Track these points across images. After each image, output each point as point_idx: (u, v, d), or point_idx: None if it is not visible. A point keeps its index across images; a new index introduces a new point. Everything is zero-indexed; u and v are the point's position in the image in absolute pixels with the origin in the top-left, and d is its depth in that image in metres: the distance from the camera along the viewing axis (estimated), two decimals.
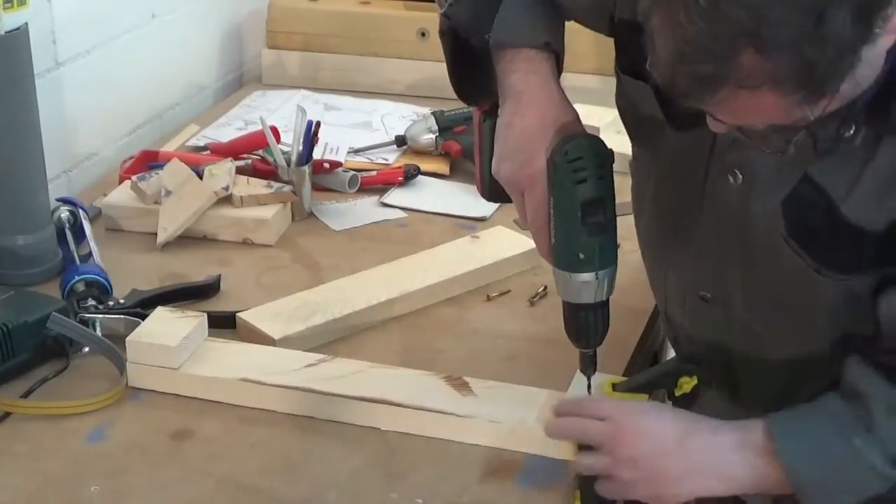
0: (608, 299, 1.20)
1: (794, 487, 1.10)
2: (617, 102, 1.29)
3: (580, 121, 1.22)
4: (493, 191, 1.24)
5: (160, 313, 1.39)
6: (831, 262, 1.12)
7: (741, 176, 1.14)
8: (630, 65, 1.22)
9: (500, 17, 1.22)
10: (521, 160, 1.18)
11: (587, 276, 1.16)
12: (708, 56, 0.93)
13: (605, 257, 1.17)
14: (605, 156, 1.17)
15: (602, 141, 1.18)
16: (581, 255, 1.16)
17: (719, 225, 1.19)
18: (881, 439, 1.08)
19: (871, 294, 1.11)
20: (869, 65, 0.96)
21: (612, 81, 1.97)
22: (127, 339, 1.35)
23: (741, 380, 1.27)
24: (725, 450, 1.13)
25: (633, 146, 1.32)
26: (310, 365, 1.35)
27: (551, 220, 1.17)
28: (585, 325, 1.21)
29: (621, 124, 1.99)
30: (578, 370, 1.28)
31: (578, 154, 1.15)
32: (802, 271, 1.13)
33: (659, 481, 1.13)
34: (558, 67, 1.24)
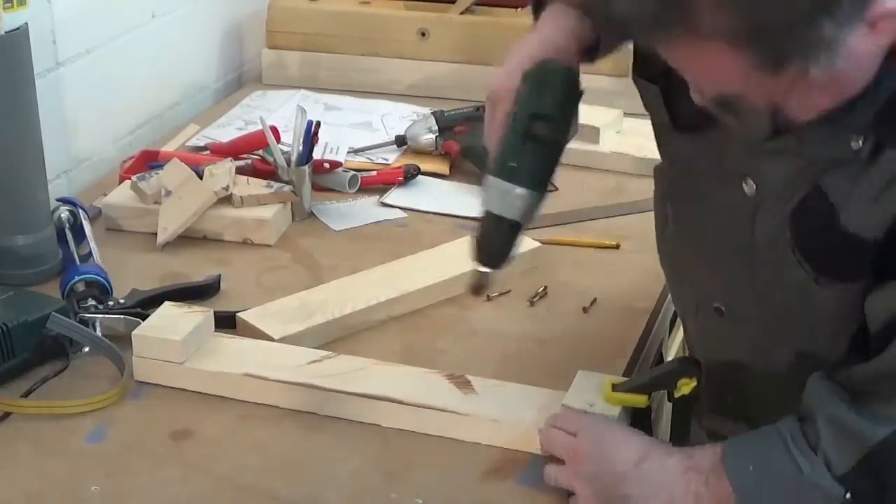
0: (522, 226, 1.20)
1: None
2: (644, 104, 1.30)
3: (573, 59, 1.21)
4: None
5: (167, 308, 1.39)
6: (829, 269, 1.11)
7: (755, 185, 1.14)
8: (645, 68, 1.22)
9: None
10: (501, 77, 1.20)
11: (519, 190, 1.16)
12: None
13: (539, 178, 1.18)
14: (571, 84, 1.18)
15: (575, 74, 1.19)
16: (514, 164, 1.17)
17: (731, 233, 1.18)
18: (826, 460, 1.06)
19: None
20: (852, 60, 0.95)
21: (614, 82, 1.98)
22: (133, 332, 1.35)
23: (752, 397, 1.26)
24: (675, 473, 1.14)
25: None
26: (314, 361, 1.35)
27: (505, 131, 1.18)
28: (498, 241, 1.20)
29: (621, 124, 2.02)
30: (579, 372, 1.28)
31: (546, 74, 1.17)
32: (804, 282, 1.12)
33: (612, 501, 1.16)
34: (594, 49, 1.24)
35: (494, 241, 1.20)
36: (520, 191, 1.16)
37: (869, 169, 1.04)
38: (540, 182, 1.18)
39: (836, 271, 1.10)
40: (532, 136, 1.16)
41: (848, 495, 1.05)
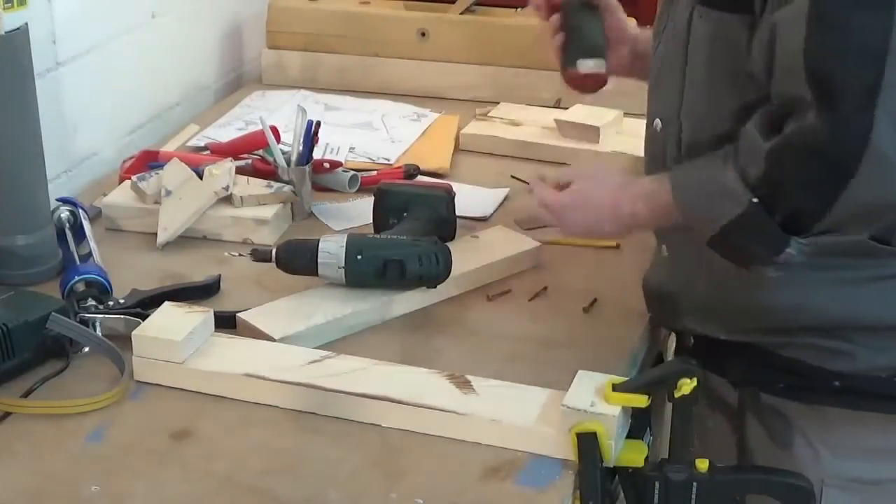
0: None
1: (676, 205, 1.31)
2: None
3: None
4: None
5: (167, 308, 1.40)
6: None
7: None
8: None
9: None
10: None
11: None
12: None
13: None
14: None
15: None
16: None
17: (666, 45, 1.40)
18: (736, 160, 1.24)
19: (754, 50, 1.25)
20: None
21: (614, 82, 1.97)
22: (133, 332, 1.35)
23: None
24: (638, 183, 1.40)
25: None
26: (314, 361, 1.35)
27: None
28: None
29: (621, 124, 2.02)
30: (579, 372, 1.27)
31: None
32: (689, 23, 1.34)
33: (589, 208, 1.42)
34: None
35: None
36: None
37: None
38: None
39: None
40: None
41: (755, 199, 1.23)
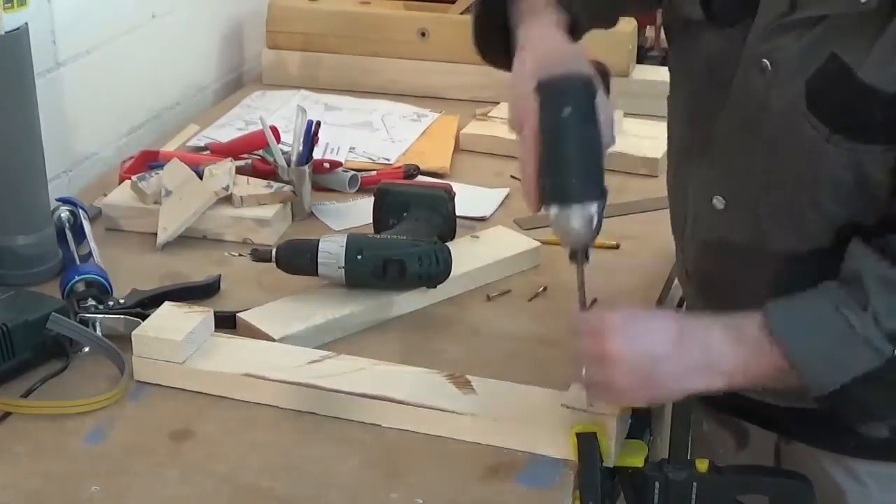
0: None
1: (790, 364, 1.13)
2: (662, 6, 1.37)
3: (581, 62, 1.23)
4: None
5: (167, 308, 1.40)
6: (843, 125, 1.14)
7: (770, 63, 1.18)
8: None
9: None
10: (519, 101, 1.21)
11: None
12: None
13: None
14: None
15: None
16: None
17: (742, 116, 1.22)
18: (875, 314, 1.11)
19: (883, 172, 1.13)
20: None
21: (614, 81, 1.97)
22: (133, 332, 1.35)
23: (741, 283, 1.28)
24: (718, 344, 1.15)
25: (671, 55, 1.38)
26: (314, 361, 1.35)
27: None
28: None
29: (621, 124, 2.01)
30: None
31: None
32: (815, 144, 1.15)
33: (655, 385, 1.16)
34: (576, 29, 1.31)
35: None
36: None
37: (889, 22, 1.09)
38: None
39: (851, 126, 1.14)
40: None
41: (895, 351, 1.10)
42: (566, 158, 1.17)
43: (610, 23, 1.45)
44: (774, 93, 1.18)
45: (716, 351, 1.15)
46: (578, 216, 1.18)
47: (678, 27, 1.32)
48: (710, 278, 1.34)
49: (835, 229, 1.19)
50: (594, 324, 1.18)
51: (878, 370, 1.11)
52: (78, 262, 1.56)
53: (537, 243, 1.64)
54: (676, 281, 1.53)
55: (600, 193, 1.19)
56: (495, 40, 1.35)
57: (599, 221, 1.19)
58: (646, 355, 1.15)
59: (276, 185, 1.74)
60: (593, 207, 1.18)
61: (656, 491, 1.22)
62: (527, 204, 1.21)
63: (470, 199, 1.78)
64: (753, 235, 1.25)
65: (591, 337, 1.17)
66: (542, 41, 1.26)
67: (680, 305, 1.64)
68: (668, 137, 1.40)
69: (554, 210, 1.18)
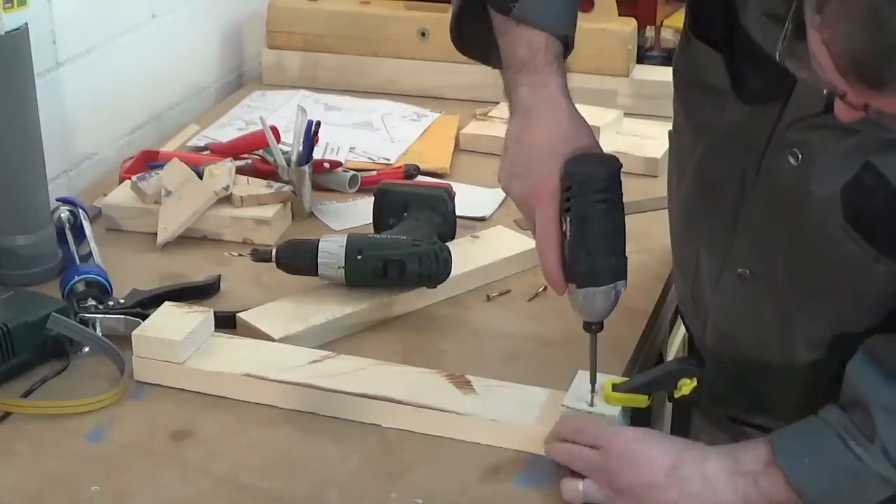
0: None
1: (798, 495, 1.11)
2: (675, 62, 1.29)
3: (592, 134, 1.22)
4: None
5: (167, 308, 1.40)
6: (888, 246, 1.11)
7: (801, 156, 1.13)
8: (704, 30, 1.21)
9: None
10: (534, 179, 1.18)
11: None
12: None
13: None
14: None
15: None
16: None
17: (772, 203, 1.18)
18: (884, 447, 1.08)
19: None
20: None
21: (614, 81, 1.97)
22: (133, 332, 1.35)
23: (767, 377, 1.26)
24: (715, 478, 1.14)
25: (678, 113, 1.32)
26: (314, 361, 1.35)
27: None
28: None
29: (621, 124, 2.02)
30: (579, 372, 1.27)
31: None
32: (857, 258, 1.12)
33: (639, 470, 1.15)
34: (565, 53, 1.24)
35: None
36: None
37: None
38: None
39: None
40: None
41: None
42: (599, 242, 1.16)
43: None
44: (808, 188, 1.13)
45: (714, 484, 1.13)
46: (606, 295, 1.18)
47: (699, 88, 1.25)
48: (729, 337, 1.30)
49: (874, 321, 1.15)
50: (590, 437, 1.19)
51: (889, 500, 1.10)
52: (78, 262, 1.56)
53: None
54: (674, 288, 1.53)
55: (626, 268, 1.19)
56: (476, 41, 1.29)
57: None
58: (643, 483, 1.15)
59: (276, 185, 1.74)
60: (621, 285, 1.18)
61: None
62: (552, 288, 1.21)
63: (470, 199, 1.78)
64: (778, 311, 1.22)
65: (589, 453, 1.17)
66: (553, 112, 1.20)
67: (677, 312, 1.64)
68: (670, 184, 1.36)
69: (582, 292, 1.18)
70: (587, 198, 1.15)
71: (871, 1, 0.87)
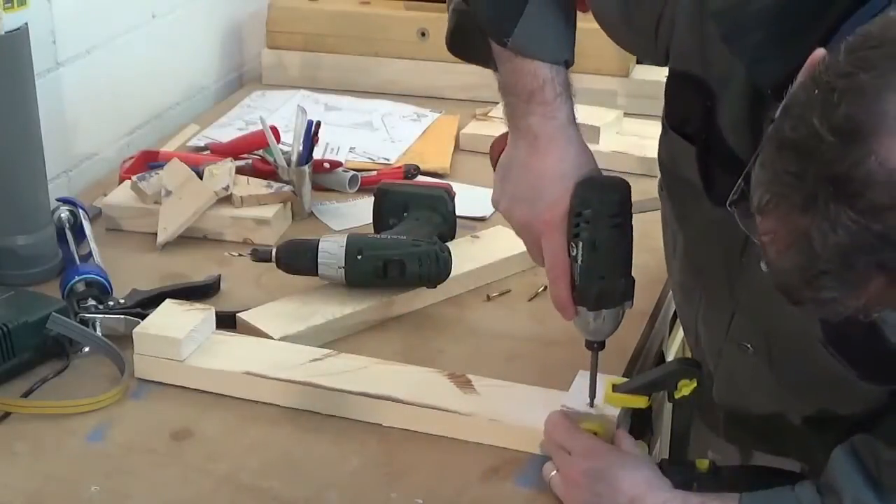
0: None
1: None
2: (659, 153, 1.26)
3: (595, 162, 1.20)
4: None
5: (168, 306, 1.40)
6: (876, 377, 1.10)
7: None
8: (678, 122, 1.19)
9: (527, 21, 1.16)
10: (542, 204, 1.17)
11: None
12: (837, 285, 0.87)
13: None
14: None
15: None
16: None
17: (761, 285, 1.10)
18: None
19: None
20: None
21: (614, 81, 1.96)
22: (134, 330, 1.36)
23: (772, 423, 1.27)
24: None
25: (663, 198, 1.31)
26: (315, 360, 1.35)
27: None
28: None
29: (621, 124, 2.02)
30: (579, 372, 1.28)
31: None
32: (845, 378, 1.11)
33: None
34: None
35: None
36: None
37: None
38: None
39: (885, 378, 1.09)
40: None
41: None
42: (612, 266, 1.17)
43: None
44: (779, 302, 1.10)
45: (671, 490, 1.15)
46: (615, 316, 1.19)
47: (677, 179, 1.22)
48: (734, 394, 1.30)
49: (874, 404, 1.14)
50: (568, 442, 1.19)
51: (787, 479, 1.12)
52: (78, 262, 1.56)
53: None
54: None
55: (633, 287, 1.19)
56: (473, 50, 1.25)
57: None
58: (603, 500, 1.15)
59: (276, 185, 1.74)
60: (628, 304, 1.19)
61: None
62: (560, 313, 1.20)
63: (470, 199, 1.78)
64: (779, 381, 1.22)
65: (563, 456, 1.18)
66: (563, 140, 1.18)
67: (673, 320, 1.64)
68: (668, 263, 1.36)
69: (593, 314, 1.19)
70: (602, 223, 1.15)
71: (804, 228, 0.86)
